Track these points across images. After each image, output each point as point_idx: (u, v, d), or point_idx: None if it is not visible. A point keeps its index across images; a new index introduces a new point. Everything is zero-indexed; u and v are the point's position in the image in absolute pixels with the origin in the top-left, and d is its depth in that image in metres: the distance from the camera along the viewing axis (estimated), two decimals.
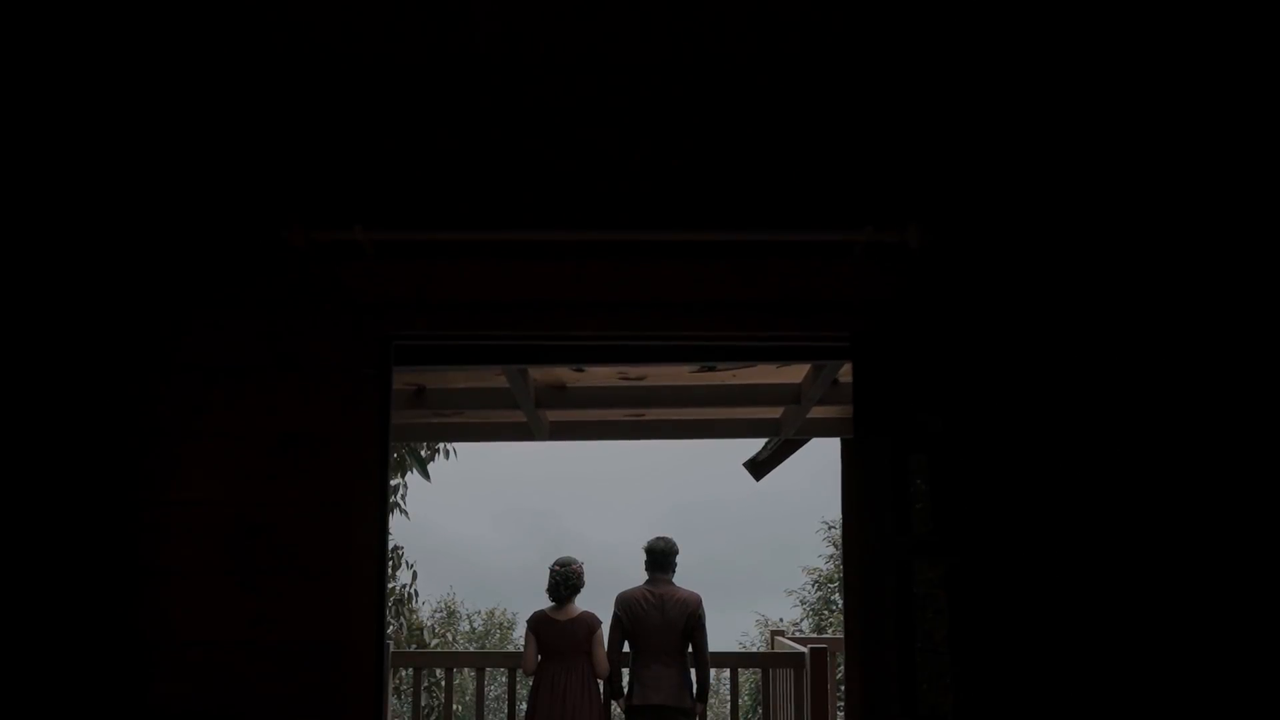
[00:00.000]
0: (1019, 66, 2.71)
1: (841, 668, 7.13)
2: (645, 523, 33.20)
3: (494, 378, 4.28)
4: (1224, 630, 2.48)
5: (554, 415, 4.88)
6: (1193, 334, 2.57)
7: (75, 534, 2.57)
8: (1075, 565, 2.55)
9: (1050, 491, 2.57)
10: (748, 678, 11.23)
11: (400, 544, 10.84)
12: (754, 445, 5.97)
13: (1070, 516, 2.56)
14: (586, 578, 5.67)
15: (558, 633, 5.50)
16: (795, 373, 4.42)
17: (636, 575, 5.73)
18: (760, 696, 7.03)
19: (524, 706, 5.64)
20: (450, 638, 14.20)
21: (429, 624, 13.52)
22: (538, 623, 5.58)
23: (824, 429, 5.02)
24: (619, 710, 5.77)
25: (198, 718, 2.54)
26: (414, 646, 11.39)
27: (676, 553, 5.70)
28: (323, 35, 2.57)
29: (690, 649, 5.53)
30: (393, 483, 10.08)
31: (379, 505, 2.63)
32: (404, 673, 8.94)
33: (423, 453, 10.48)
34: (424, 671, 7.00)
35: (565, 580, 5.60)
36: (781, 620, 14.95)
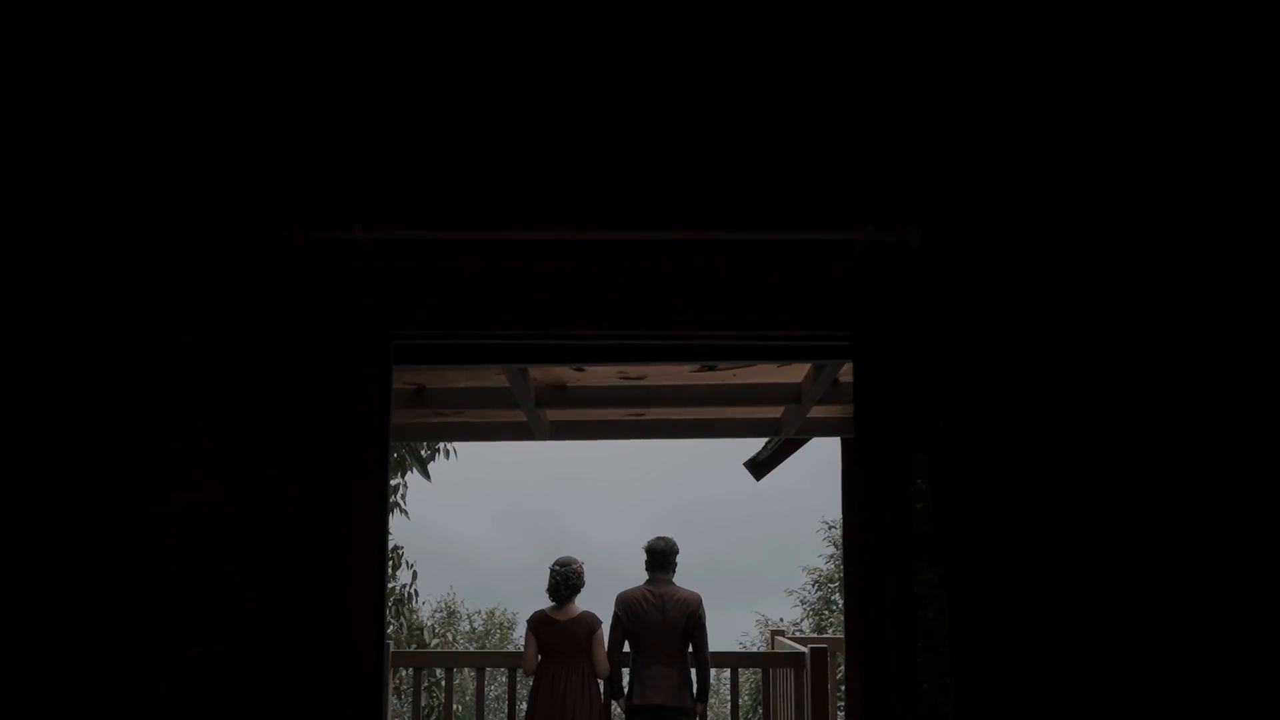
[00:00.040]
0: (1020, 65, 2.71)
1: (842, 668, 7.12)
2: (645, 523, 33.24)
3: (494, 377, 4.27)
4: (1224, 629, 2.49)
5: (554, 415, 4.88)
6: (1193, 333, 2.57)
7: (75, 534, 2.57)
8: (1076, 565, 2.55)
9: (1051, 491, 2.57)
10: (748, 678, 11.22)
11: (400, 544, 10.83)
12: (754, 445, 5.98)
13: (1071, 516, 2.56)
14: (586, 578, 5.67)
15: (558, 633, 5.50)
16: (795, 372, 4.41)
17: (636, 575, 5.73)
18: (760, 696, 7.03)
19: (524, 706, 5.64)
20: (450, 638, 14.19)
21: (429, 624, 13.52)
22: (538, 623, 5.57)
23: (824, 428, 5.01)
24: (619, 710, 5.77)
25: (198, 718, 2.54)
26: (414, 646, 11.38)
27: (677, 552, 5.70)
28: (323, 35, 2.57)
29: (690, 649, 5.53)
30: (393, 482, 10.08)
31: (379, 505, 2.63)
32: (404, 673, 8.94)
33: (423, 452, 10.48)
34: (424, 671, 7.01)
35: (565, 580, 5.59)
36: (782, 620, 14.94)
